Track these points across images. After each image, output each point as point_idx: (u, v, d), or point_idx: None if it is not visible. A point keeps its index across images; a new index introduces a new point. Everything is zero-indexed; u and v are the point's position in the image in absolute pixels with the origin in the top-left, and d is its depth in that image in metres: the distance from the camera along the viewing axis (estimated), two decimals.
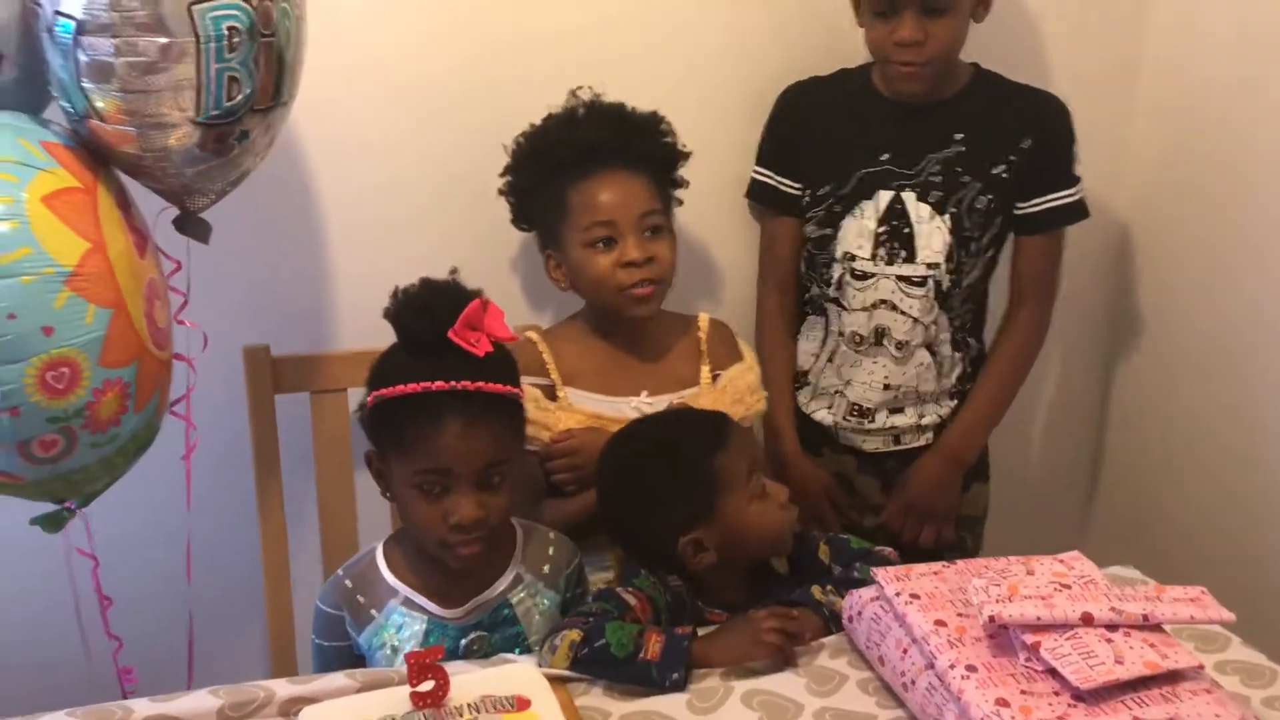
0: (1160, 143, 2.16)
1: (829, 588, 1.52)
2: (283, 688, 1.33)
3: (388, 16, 1.85)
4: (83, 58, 1.31)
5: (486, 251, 1.95)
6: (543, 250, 1.83)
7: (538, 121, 1.80)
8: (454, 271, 1.48)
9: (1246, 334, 2.01)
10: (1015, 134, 1.84)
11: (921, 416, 1.95)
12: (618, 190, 1.74)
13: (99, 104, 1.34)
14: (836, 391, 1.95)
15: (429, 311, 1.43)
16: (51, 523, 1.47)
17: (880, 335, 1.89)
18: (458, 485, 1.42)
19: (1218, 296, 2.06)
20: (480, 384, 1.43)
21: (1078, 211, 1.90)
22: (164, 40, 1.31)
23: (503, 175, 1.82)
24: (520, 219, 1.86)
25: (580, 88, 1.80)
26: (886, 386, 1.91)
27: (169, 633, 1.78)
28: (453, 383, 1.40)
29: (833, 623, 1.47)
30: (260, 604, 1.83)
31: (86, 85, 1.33)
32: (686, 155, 1.85)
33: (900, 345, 1.88)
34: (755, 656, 1.39)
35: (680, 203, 1.87)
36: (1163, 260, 2.18)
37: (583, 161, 1.74)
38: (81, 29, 1.30)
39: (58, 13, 1.31)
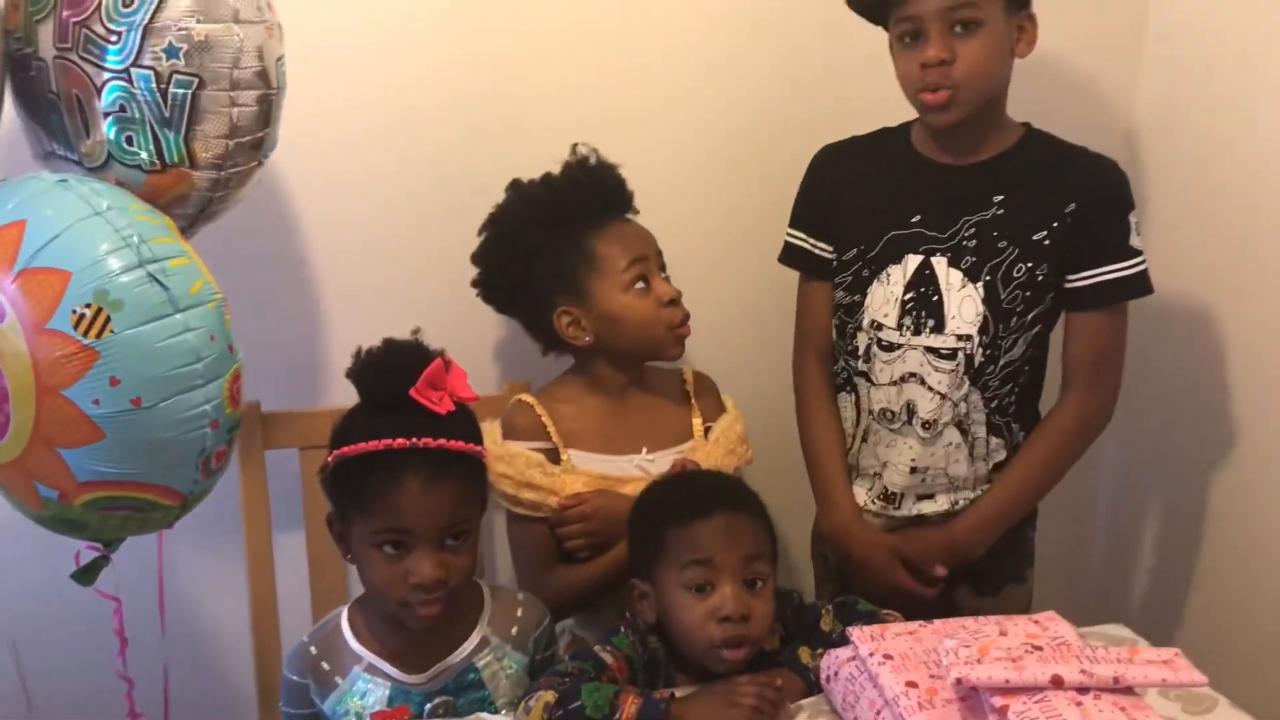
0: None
1: (819, 650, 1.48)
2: None
3: (386, 83, 1.89)
4: (209, 108, 1.41)
5: (479, 312, 1.96)
6: (551, 305, 1.78)
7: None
8: (416, 331, 1.49)
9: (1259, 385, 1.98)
10: (1060, 198, 1.69)
11: (954, 504, 1.79)
12: (640, 230, 1.78)
13: (193, 151, 1.42)
14: (875, 474, 1.82)
15: (390, 370, 1.44)
16: (89, 574, 1.50)
17: (911, 412, 1.76)
18: (418, 545, 1.42)
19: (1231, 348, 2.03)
20: (441, 441, 1.43)
21: (1134, 287, 1.71)
22: (264, 92, 1.46)
23: (491, 241, 1.80)
24: (498, 288, 1.83)
25: (578, 144, 1.81)
26: (914, 469, 1.78)
27: (153, 685, 1.78)
28: (414, 440, 1.41)
29: (817, 687, 1.45)
30: (249, 658, 1.83)
31: (198, 135, 1.41)
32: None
33: (927, 425, 1.75)
34: (729, 719, 1.37)
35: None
36: (1172, 304, 2.15)
37: (600, 211, 1.76)
38: (202, 85, 1.40)
39: (177, 72, 1.38)
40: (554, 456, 1.78)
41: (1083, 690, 1.19)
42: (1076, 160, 1.74)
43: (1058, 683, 1.19)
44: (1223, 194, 2.01)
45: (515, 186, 1.81)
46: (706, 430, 1.85)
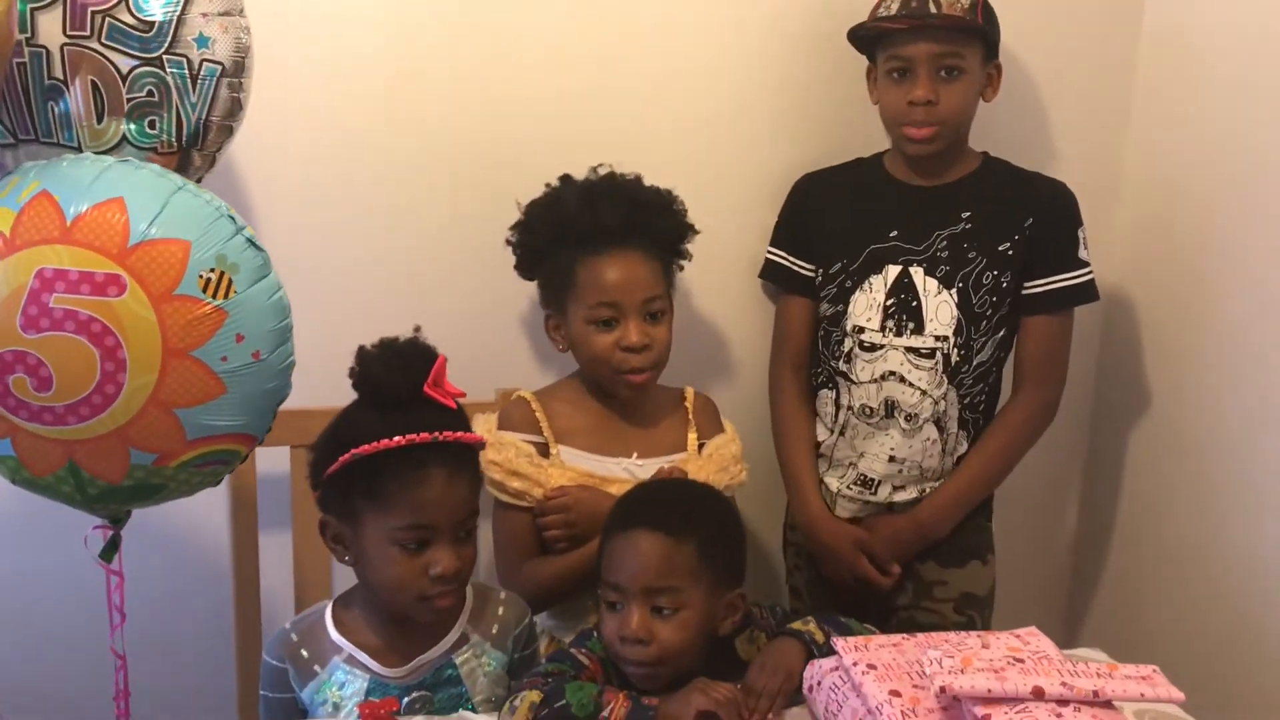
0: (1143, 229, 2.20)
1: (810, 620, 1.51)
2: None
3: (382, 82, 1.92)
4: (223, 94, 1.51)
5: (470, 310, 2.00)
6: (544, 307, 1.87)
7: (551, 183, 1.85)
8: (417, 329, 1.51)
9: (1228, 420, 2.02)
10: (1020, 213, 1.89)
11: (922, 493, 1.95)
12: (626, 272, 1.78)
13: (207, 135, 1.52)
14: (850, 464, 1.96)
15: (403, 368, 1.45)
16: (111, 551, 1.55)
17: (891, 408, 1.91)
18: (438, 538, 1.44)
19: (1198, 383, 2.08)
20: (460, 435, 1.45)
21: (1080, 294, 1.92)
22: (245, 79, 1.56)
23: (513, 230, 1.86)
24: (525, 271, 1.89)
25: (600, 165, 1.85)
26: (892, 459, 1.92)
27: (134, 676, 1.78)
28: (435, 434, 1.42)
29: (814, 647, 1.47)
30: (231, 651, 1.84)
31: (213, 119, 1.52)
32: (696, 231, 1.90)
33: (910, 418, 1.90)
34: (700, 705, 1.38)
35: (681, 269, 1.92)
36: (1142, 346, 2.21)
37: (595, 238, 1.78)
38: (225, 72, 1.51)
39: (206, 60, 1.49)
40: (544, 451, 1.81)
41: (1063, 703, 1.21)
42: (1032, 181, 1.96)
43: (1039, 694, 1.21)
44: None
45: (564, 181, 1.85)
46: (700, 446, 1.88)
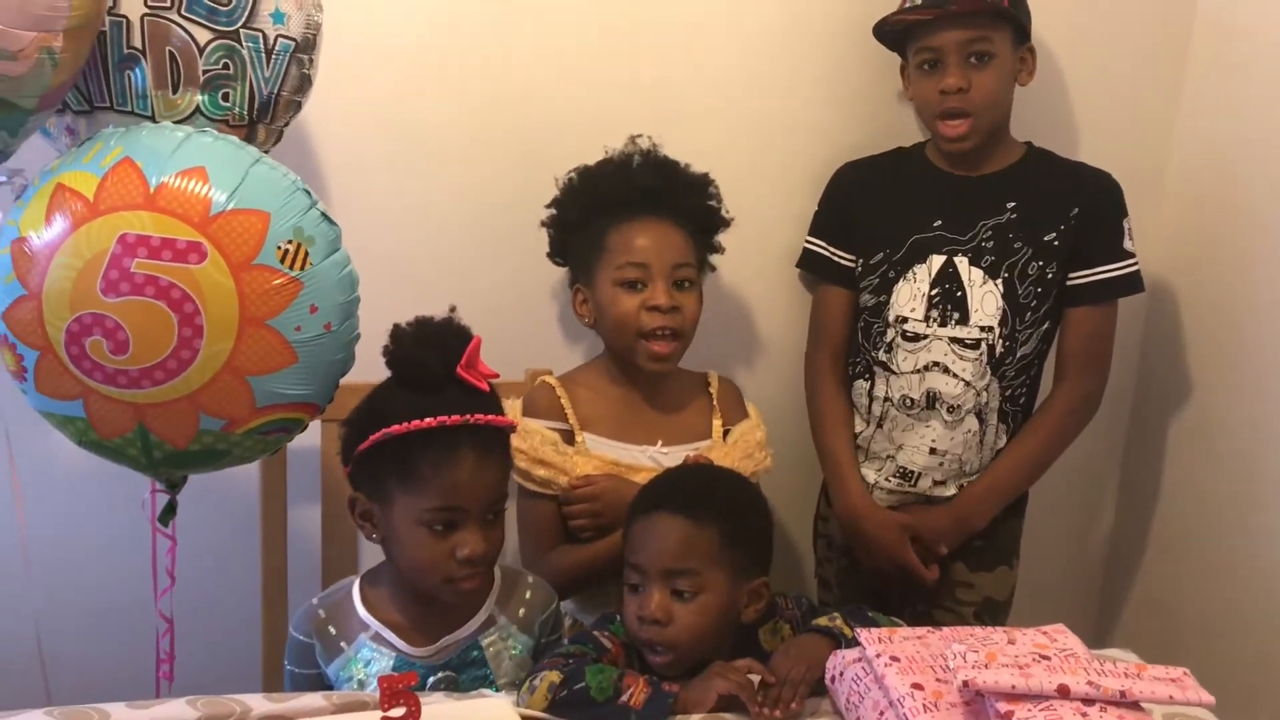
0: (1187, 220, 2.16)
1: (836, 617, 1.50)
2: (259, 704, 1.35)
3: (419, 66, 1.92)
4: (294, 70, 1.55)
5: (502, 297, 2.00)
6: (572, 285, 1.86)
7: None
8: (453, 309, 1.50)
9: (1266, 417, 1.98)
10: (1065, 204, 1.87)
11: (961, 489, 1.92)
12: (657, 237, 1.78)
13: (278, 108, 1.55)
14: (888, 456, 1.94)
15: (439, 348, 1.45)
16: (168, 515, 1.58)
17: (932, 400, 1.88)
18: (466, 521, 1.44)
19: (1241, 380, 2.04)
20: (491, 417, 1.45)
21: (1126, 285, 1.90)
22: (314, 56, 1.59)
23: (549, 207, 1.86)
24: (556, 252, 1.89)
25: (639, 136, 1.85)
26: (933, 450, 1.90)
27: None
28: (468, 416, 1.42)
29: (842, 640, 1.46)
30: (257, 624, 1.85)
31: (283, 94, 1.55)
32: (728, 222, 1.89)
33: (952, 409, 1.88)
34: (721, 690, 1.38)
35: (714, 268, 1.91)
36: (1184, 341, 2.18)
37: (629, 205, 1.78)
38: (297, 48, 1.54)
39: (281, 35, 1.52)
40: (569, 438, 1.80)
41: (1088, 702, 1.19)
42: (1077, 171, 1.93)
43: (1064, 692, 1.19)
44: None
45: (603, 159, 1.86)
46: (725, 433, 1.87)
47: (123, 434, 1.41)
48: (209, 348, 1.36)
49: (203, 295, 1.34)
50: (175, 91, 1.48)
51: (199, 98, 1.49)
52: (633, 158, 1.84)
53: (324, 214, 1.45)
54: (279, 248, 1.38)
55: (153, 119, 1.48)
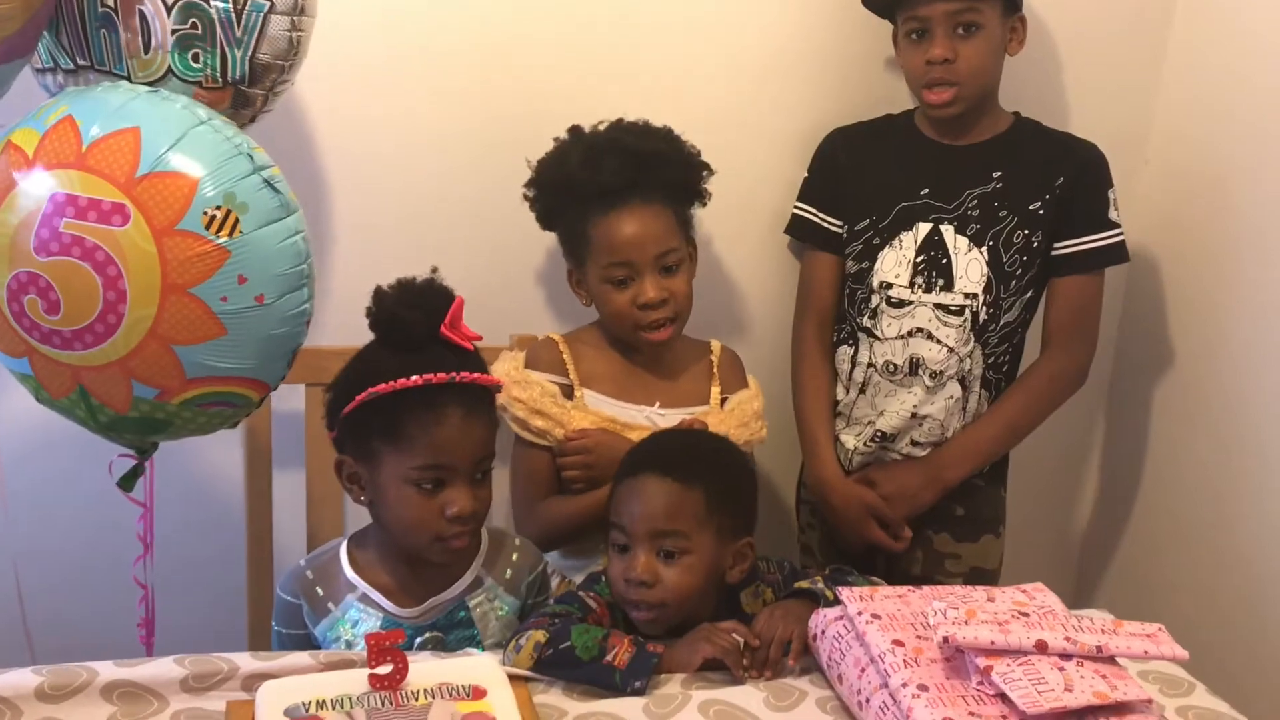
0: (1170, 189, 2.17)
1: (819, 580, 1.52)
2: (246, 662, 1.35)
3: (410, 24, 1.90)
4: (275, 32, 1.50)
5: (489, 261, 2.00)
6: (567, 260, 1.87)
7: (562, 135, 1.83)
8: (435, 270, 1.50)
9: (1247, 385, 2.00)
10: (1051, 173, 1.89)
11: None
12: (636, 229, 1.77)
13: (254, 71, 1.51)
14: (869, 422, 1.95)
15: (422, 308, 1.45)
16: (130, 480, 1.55)
17: (915, 365, 1.90)
18: (454, 479, 1.45)
19: (1221, 350, 2.06)
20: (477, 375, 1.46)
21: (1111, 255, 1.91)
22: (309, 18, 1.56)
23: (525, 187, 1.85)
24: (544, 224, 1.89)
25: (600, 122, 1.82)
26: (914, 414, 1.91)
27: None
28: (453, 374, 1.42)
29: (824, 601, 1.47)
30: (243, 589, 1.85)
31: (262, 57, 1.51)
32: (710, 171, 1.87)
33: (934, 375, 1.89)
34: (705, 653, 1.40)
35: (704, 204, 1.90)
36: (1165, 310, 2.19)
37: (604, 197, 1.77)
38: (273, 9, 1.50)
39: None
40: (569, 393, 1.82)
41: (1065, 656, 1.21)
42: (1064, 142, 1.94)
43: (1042, 648, 1.21)
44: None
45: (572, 134, 1.83)
46: (723, 401, 1.88)
47: (67, 395, 1.40)
48: (133, 313, 1.33)
49: (125, 259, 1.32)
50: (147, 52, 1.46)
51: (170, 58, 1.46)
52: (598, 145, 1.80)
53: (269, 181, 1.40)
54: (205, 213, 1.34)
55: (129, 79, 1.46)
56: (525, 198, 1.86)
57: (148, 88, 1.43)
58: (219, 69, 1.49)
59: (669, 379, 1.87)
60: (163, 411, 1.40)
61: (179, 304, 1.34)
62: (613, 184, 1.76)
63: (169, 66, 1.47)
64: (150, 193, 1.33)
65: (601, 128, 1.82)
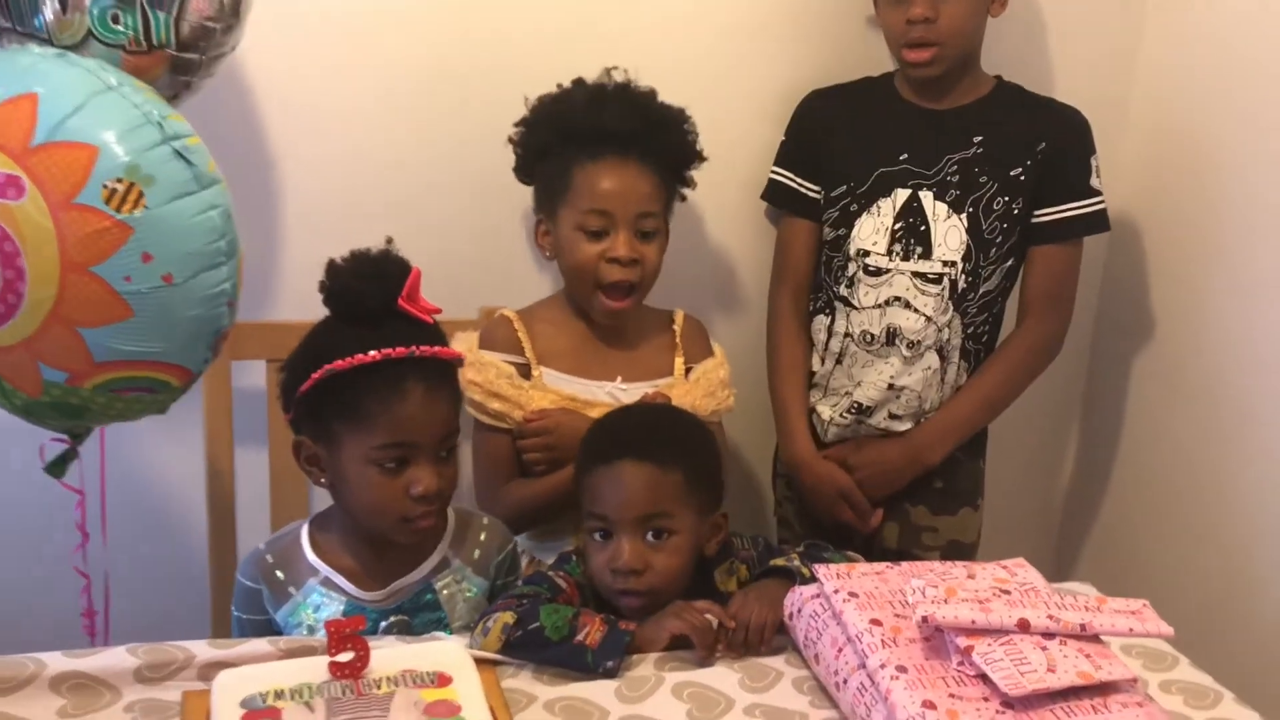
0: (1151, 154, 2.13)
1: (793, 556, 1.48)
2: (203, 650, 1.31)
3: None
4: None
5: (455, 225, 1.95)
6: (536, 213, 1.81)
7: (530, 97, 1.78)
8: (390, 241, 1.45)
9: (1228, 355, 1.98)
10: (1033, 139, 1.85)
11: (918, 424, 1.91)
12: (624, 182, 1.72)
13: (180, 33, 1.42)
14: (845, 393, 1.92)
15: (378, 279, 1.40)
16: (60, 466, 1.48)
17: (892, 335, 1.86)
18: (418, 457, 1.40)
19: (1201, 318, 2.03)
20: (437, 349, 1.41)
21: (1092, 223, 1.88)
22: None
23: (517, 125, 1.80)
24: (522, 171, 1.83)
25: (615, 68, 1.78)
26: (891, 385, 1.88)
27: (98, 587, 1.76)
28: (413, 348, 1.37)
29: (799, 579, 1.43)
30: (205, 568, 1.81)
31: (188, 19, 1.42)
32: (703, 159, 1.83)
33: (912, 345, 1.86)
34: (674, 629, 1.37)
35: (684, 199, 1.86)
36: (1146, 279, 2.16)
37: (598, 143, 1.72)
38: None
39: None
40: (526, 372, 1.78)
41: (1048, 635, 1.18)
42: (1046, 106, 1.91)
43: (1024, 626, 1.18)
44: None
45: (576, 83, 1.78)
46: (688, 371, 1.84)
47: None
48: (33, 293, 1.26)
49: (22, 236, 1.24)
50: (66, 13, 1.38)
51: (89, 20, 1.37)
52: (606, 89, 1.76)
53: (180, 152, 1.31)
54: (105, 186, 1.24)
55: (51, 42, 1.38)
56: (511, 140, 1.80)
57: (57, 51, 1.34)
58: (142, 31, 1.40)
59: (629, 351, 1.82)
60: (76, 396, 1.33)
61: (80, 283, 1.26)
62: (614, 128, 1.72)
63: (88, 29, 1.38)
64: (47, 164, 1.24)
65: (610, 79, 1.77)
